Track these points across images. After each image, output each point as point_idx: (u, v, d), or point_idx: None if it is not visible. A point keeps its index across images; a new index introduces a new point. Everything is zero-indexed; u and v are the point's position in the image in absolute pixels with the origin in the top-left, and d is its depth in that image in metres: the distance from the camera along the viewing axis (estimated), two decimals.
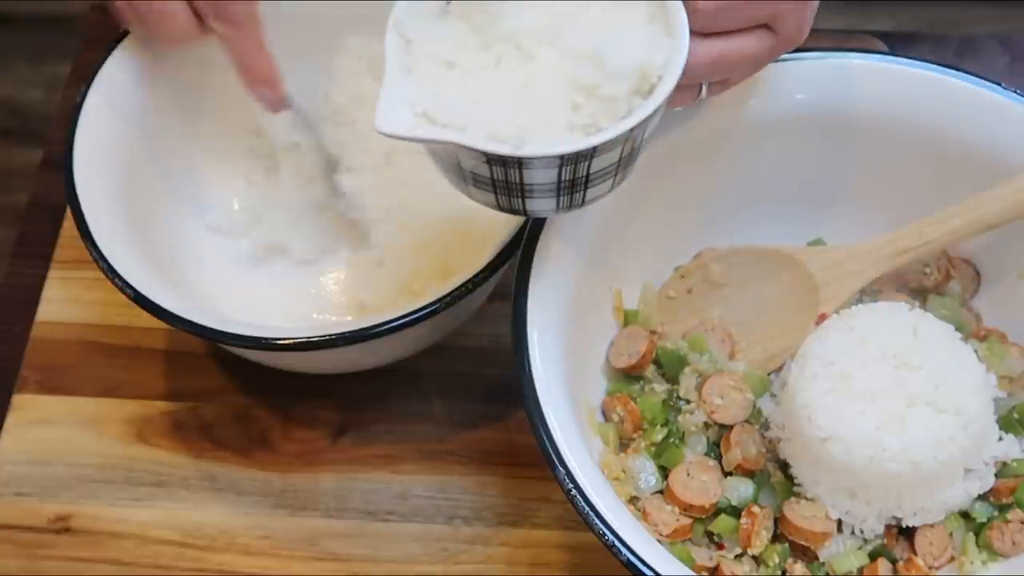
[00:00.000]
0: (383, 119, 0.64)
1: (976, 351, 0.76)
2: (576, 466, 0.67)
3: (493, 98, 0.65)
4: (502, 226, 0.79)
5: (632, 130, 0.64)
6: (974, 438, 0.71)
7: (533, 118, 0.64)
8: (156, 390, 0.90)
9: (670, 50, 0.65)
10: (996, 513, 0.75)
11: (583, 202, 0.69)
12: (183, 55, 0.86)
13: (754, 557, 0.74)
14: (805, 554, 0.74)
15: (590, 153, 0.64)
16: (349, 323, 0.76)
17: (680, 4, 0.66)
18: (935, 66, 0.80)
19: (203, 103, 0.91)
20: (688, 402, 0.79)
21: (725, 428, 0.78)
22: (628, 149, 0.66)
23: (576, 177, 0.66)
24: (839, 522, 0.74)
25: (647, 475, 0.76)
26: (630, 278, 0.84)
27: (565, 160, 0.64)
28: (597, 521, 0.65)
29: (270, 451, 0.87)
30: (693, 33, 0.66)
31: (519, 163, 0.63)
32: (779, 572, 0.74)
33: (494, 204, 0.69)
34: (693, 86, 0.70)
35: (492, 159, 0.64)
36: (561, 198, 0.67)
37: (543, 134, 0.64)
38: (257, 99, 0.84)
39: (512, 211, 0.69)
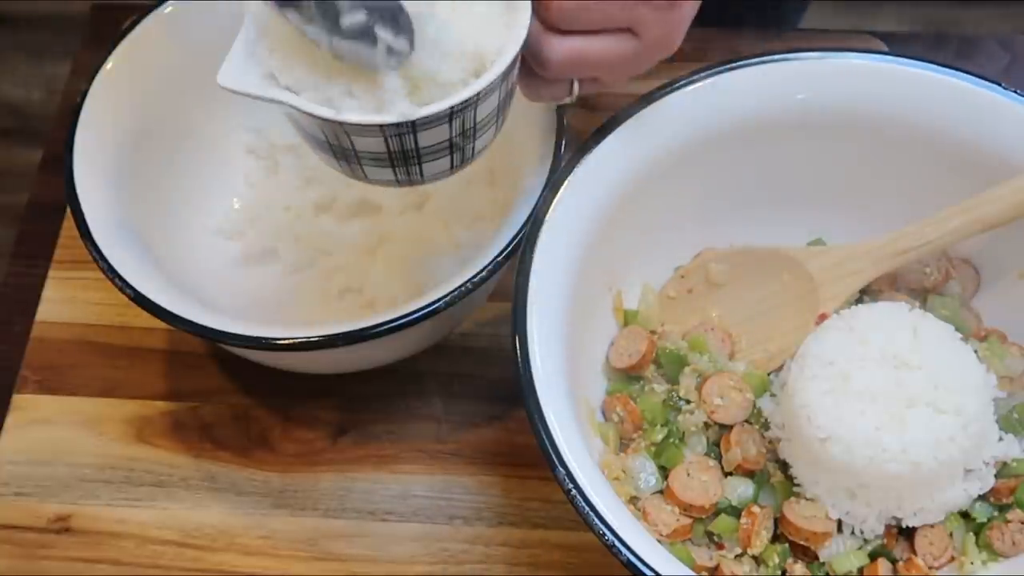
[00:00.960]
0: (227, 74, 0.67)
1: (976, 351, 0.76)
2: (576, 466, 0.67)
3: (338, 73, 0.67)
4: (503, 226, 0.79)
5: (453, 109, 0.66)
6: (974, 438, 0.71)
7: (373, 98, 0.67)
8: (156, 390, 0.90)
9: (505, 36, 0.68)
10: (996, 513, 0.75)
11: (422, 176, 0.71)
12: (183, 55, 0.86)
13: (754, 557, 0.74)
14: (805, 554, 0.74)
15: (410, 127, 0.67)
16: (349, 323, 0.76)
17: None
18: (935, 66, 0.80)
19: (203, 103, 0.91)
20: (688, 402, 0.79)
21: (725, 428, 0.78)
22: (458, 128, 0.69)
23: (405, 149, 0.68)
24: (839, 522, 0.74)
25: (647, 475, 0.77)
26: (630, 278, 0.84)
27: (387, 130, 0.67)
28: (597, 521, 0.65)
29: (270, 451, 0.87)
30: (551, 28, 0.69)
31: (344, 129, 0.67)
32: (779, 572, 0.74)
33: (337, 168, 0.72)
34: (562, 81, 0.72)
35: (323, 124, 0.67)
36: (396, 169, 0.70)
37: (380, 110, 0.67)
38: None
39: (355, 177, 0.72)
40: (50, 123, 1.06)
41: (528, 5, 0.68)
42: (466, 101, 0.67)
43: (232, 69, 0.67)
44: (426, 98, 0.67)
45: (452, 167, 0.72)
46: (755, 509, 0.74)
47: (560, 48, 0.69)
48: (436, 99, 0.67)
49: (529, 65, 0.71)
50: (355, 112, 0.66)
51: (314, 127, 0.69)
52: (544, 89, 0.73)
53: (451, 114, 0.67)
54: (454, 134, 0.69)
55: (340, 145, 0.69)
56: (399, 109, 0.66)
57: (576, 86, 0.73)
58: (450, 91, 0.67)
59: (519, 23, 0.68)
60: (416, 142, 0.68)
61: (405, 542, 0.83)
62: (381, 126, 0.66)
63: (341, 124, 0.67)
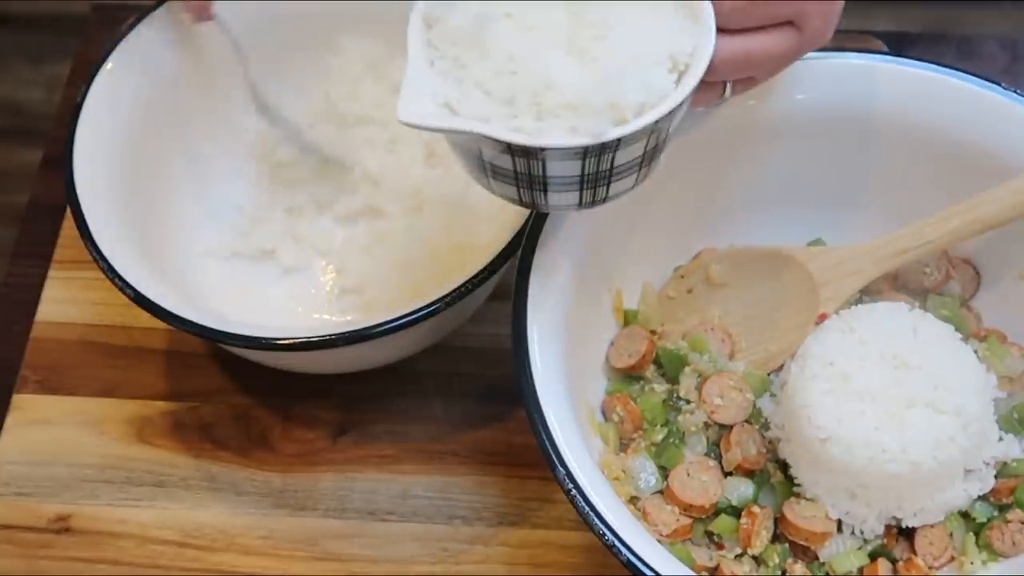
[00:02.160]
0: (405, 109, 0.63)
1: (976, 351, 0.76)
2: (576, 466, 0.67)
3: (524, 91, 0.63)
4: (502, 226, 0.79)
5: (657, 122, 0.63)
6: (974, 438, 0.71)
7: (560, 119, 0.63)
8: (156, 390, 0.90)
9: (697, 37, 0.65)
10: (996, 513, 0.75)
11: (606, 197, 0.68)
12: (183, 55, 0.86)
13: (754, 557, 0.74)
14: (805, 554, 0.74)
15: (614, 145, 0.63)
16: (349, 323, 0.76)
17: None
18: (935, 66, 0.80)
19: (203, 103, 0.91)
20: (688, 402, 0.79)
21: (725, 428, 0.78)
22: (653, 142, 0.65)
23: (600, 170, 0.65)
24: (839, 522, 0.74)
25: (647, 475, 0.76)
26: (630, 278, 0.84)
27: (589, 152, 0.63)
28: (597, 521, 0.65)
29: (270, 451, 0.87)
30: (718, 30, 0.65)
31: (541, 154, 0.63)
32: (779, 572, 0.74)
33: (516, 198, 0.68)
34: (717, 84, 0.70)
35: (514, 150, 0.63)
36: (584, 192, 0.66)
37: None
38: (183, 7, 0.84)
39: (533, 206, 0.68)
40: (50, 123, 1.05)
41: (708, 4, 0.65)
42: (670, 112, 0.63)
43: (409, 104, 0.63)
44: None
45: (636, 182, 0.69)
46: (755, 509, 0.74)
47: (726, 49, 0.66)
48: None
49: None
50: (554, 136, 0.62)
51: (499, 155, 0.64)
52: (705, 92, 0.69)
53: (653, 128, 0.63)
54: (649, 147, 0.66)
55: (528, 173, 0.65)
56: (595, 129, 0.62)
57: (729, 88, 0.72)
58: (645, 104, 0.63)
59: (706, 22, 0.65)
60: (613, 161, 0.64)
61: (405, 542, 0.83)
62: (585, 148, 0.62)
63: (541, 149, 0.62)
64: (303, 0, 0.90)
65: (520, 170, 0.65)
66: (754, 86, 0.73)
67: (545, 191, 0.66)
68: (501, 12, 0.64)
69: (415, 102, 0.63)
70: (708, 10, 0.65)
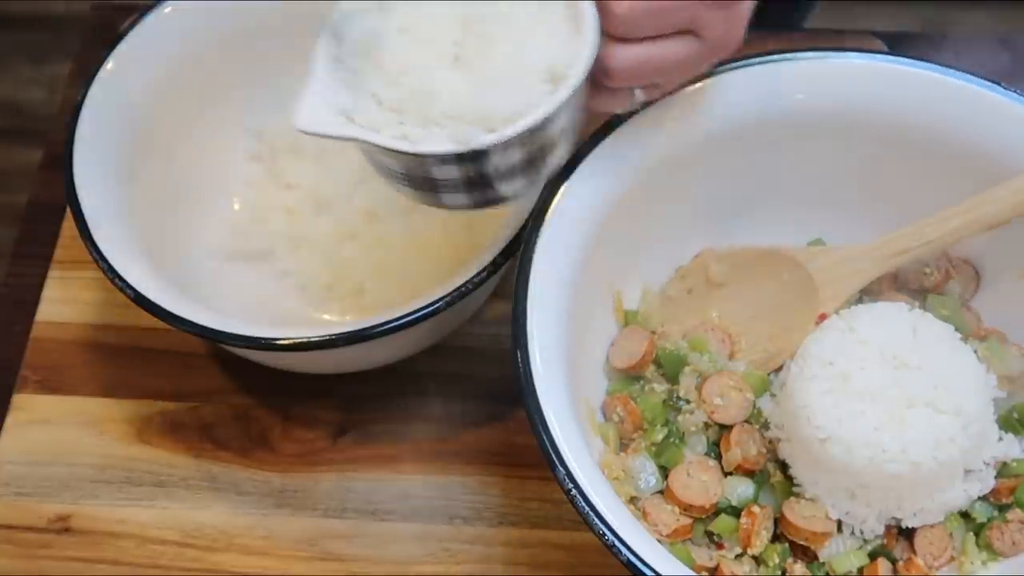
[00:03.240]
0: (301, 116, 0.67)
1: (976, 351, 0.76)
2: (576, 466, 0.67)
3: (411, 101, 0.68)
4: (502, 226, 0.79)
5: (532, 131, 0.66)
6: (974, 438, 0.71)
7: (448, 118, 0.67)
8: (156, 390, 0.90)
9: (577, 48, 0.67)
10: (996, 513, 0.75)
11: (499, 198, 0.71)
12: (183, 55, 0.86)
13: (754, 557, 0.74)
14: (805, 554, 0.74)
15: (485, 153, 0.67)
16: (349, 323, 0.76)
17: (591, 4, 0.67)
18: (935, 66, 0.80)
19: (203, 104, 0.91)
20: (688, 402, 0.79)
21: (725, 428, 0.78)
22: (536, 147, 0.69)
23: (482, 174, 0.69)
24: (839, 522, 0.74)
25: (647, 475, 0.76)
26: (630, 278, 0.84)
27: (463, 159, 0.67)
28: (597, 521, 0.65)
29: (270, 451, 0.87)
30: (613, 38, 0.68)
31: (423, 160, 0.67)
32: (779, 572, 0.74)
33: (418, 198, 0.73)
34: (623, 90, 0.72)
35: (402, 157, 0.68)
36: (473, 193, 0.71)
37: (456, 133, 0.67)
38: None
39: (432, 204, 0.73)
40: (50, 123, 1.05)
41: (594, 14, 0.67)
42: (540, 122, 0.66)
43: (306, 112, 0.67)
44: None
45: (531, 183, 0.72)
46: (755, 509, 0.74)
47: (624, 56, 0.68)
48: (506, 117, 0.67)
49: (593, 76, 0.69)
50: (432, 143, 0.67)
51: (392, 161, 0.70)
52: (608, 99, 0.72)
53: (526, 137, 0.67)
54: (533, 152, 0.69)
55: (420, 176, 0.70)
56: (466, 138, 0.66)
57: (638, 94, 0.73)
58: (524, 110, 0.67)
59: (587, 34, 0.67)
60: (493, 167, 0.68)
61: (405, 542, 0.83)
62: (458, 155, 0.66)
63: (422, 156, 0.67)
64: (304, 0, 0.90)
65: (413, 174, 0.70)
66: (663, 93, 0.75)
67: (437, 192, 0.71)
68: (396, 27, 0.69)
69: (313, 110, 0.67)
70: (591, 21, 0.67)
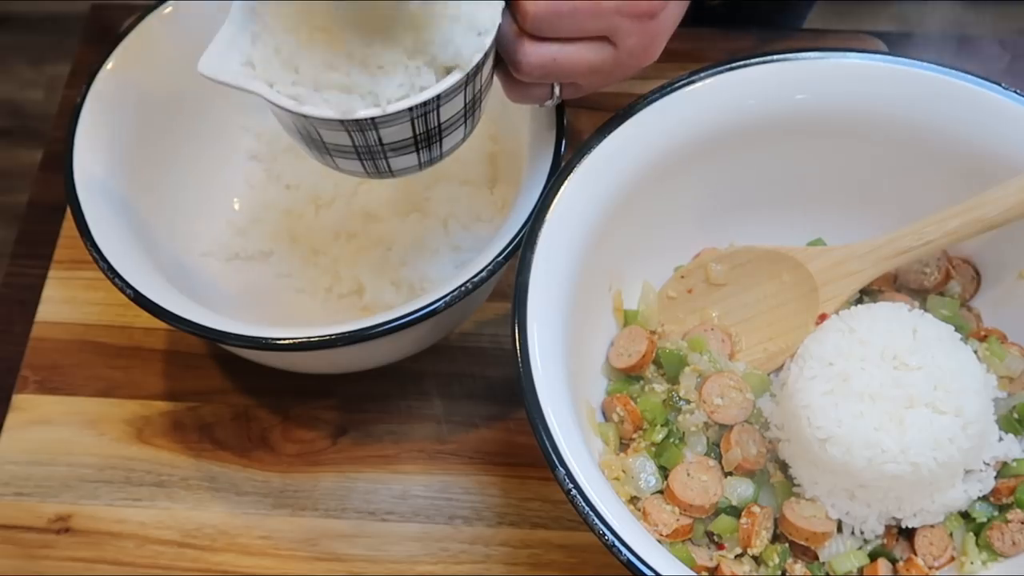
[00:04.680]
0: (207, 61, 0.68)
1: (976, 351, 0.76)
2: (576, 466, 0.67)
3: (315, 66, 0.68)
4: (502, 226, 0.79)
5: (412, 109, 0.68)
6: (973, 439, 0.71)
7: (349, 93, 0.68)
8: (156, 390, 0.90)
9: (481, 39, 0.69)
10: (996, 513, 0.75)
11: (390, 170, 0.73)
12: (183, 55, 0.86)
13: (754, 557, 0.74)
14: (805, 554, 0.74)
15: (370, 124, 0.68)
16: (349, 323, 0.76)
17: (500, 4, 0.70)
18: (935, 66, 0.80)
19: (203, 104, 0.91)
20: (688, 402, 0.79)
21: (725, 428, 0.78)
22: (421, 127, 0.71)
23: (369, 144, 0.70)
24: (839, 522, 0.74)
25: (647, 475, 0.76)
26: (630, 278, 0.84)
27: (347, 126, 0.69)
28: (597, 521, 0.65)
29: (270, 451, 0.87)
30: (526, 34, 0.70)
31: (310, 122, 0.69)
32: (779, 572, 0.74)
33: (314, 157, 0.74)
34: (543, 85, 0.74)
35: (294, 116, 0.69)
36: (364, 161, 0.73)
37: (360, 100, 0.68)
38: None
39: (331, 166, 0.74)
40: (50, 123, 1.05)
41: (500, 10, 0.70)
42: (426, 103, 0.68)
43: (213, 56, 0.69)
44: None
45: (420, 164, 0.74)
46: (755, 509, 0.74)
47: (534, 53, 0.71)
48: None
49: (507, 68, 0.72)
50: (316, 106, 0.68)
51: (287, 118, 0.71)
52: (524, 92, 0.74)
53: (412, 114, 0.69)
54: (418, 132, 0.71)
55: (310, 136, 0.71)
56: (346, 107, 0.68)
57: (558, 90, 0.75)
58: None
59: (489, 30, 0.70)
60: (379, 139, 0.70)
61: (405, 542, 0.83)
62: (342, 121, 0.68)
63: (306, 117, 0.68)
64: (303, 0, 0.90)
65: (306, 134, 0.71)
66: (583, 93, 0.76)
67: (331, 155, 0.73)
68: None
69: (219, 56, 0.69)
70: (494, 18, 0.69)
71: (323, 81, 0.68)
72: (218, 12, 0.86)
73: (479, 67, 0.70)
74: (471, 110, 0.73)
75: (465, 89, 0.70)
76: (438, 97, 0.68)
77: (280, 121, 0.74)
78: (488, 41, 0.69)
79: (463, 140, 0.75)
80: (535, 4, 0.69)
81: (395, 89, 0.68)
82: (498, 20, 0.70)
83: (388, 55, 0.68)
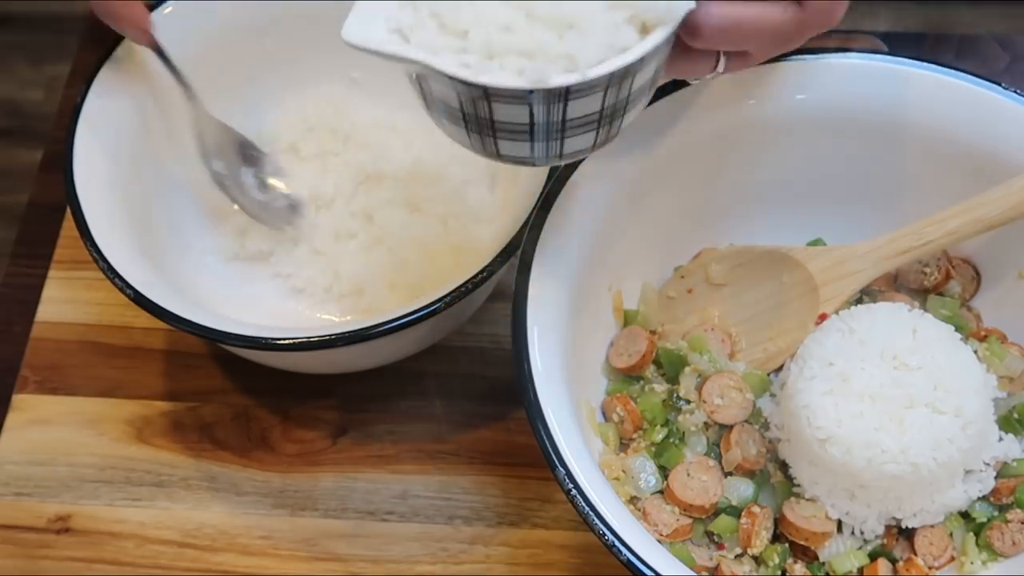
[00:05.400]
0: (352, 29, 0.60)
1: (976, 351, 0.76)
2: (576, 466, 0.67)
3: (479, 27, 0.60)
4: (502, 226, 0.79)
5: (612, 75, 0.59)
6: (973, 439, 0.71)
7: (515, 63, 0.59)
8: (156, 390, 0.90)
9: None
10: (996, 513, 0.75)
11: (560, 154, 0.65)
12: (183, 55, 0.86)
13: (754, 557, 0.74)
14: (805, 554, 0.74)
15: (562, 94, 0.59)
16: (349, 323, 0.76)
17: None
18: (935, 66, 0.80)
19: (203, 103, 0.90)
20: (688, 402, 0.79)
21: (725, 428, 0.78)
22: (612, 100, 0.62)
23: (550, 121, 0.61)
24: (839, 522, 0.74)
25: (647, 475, 0.76)
26: (630, 278, 0.84)
27: (534, 98, 0.59)
28: (597, 521, 0.65)
29: (270, 451, 0.87)
30: None
31: (485, 93, 0.59)
32: (779, 572, 0.74)
33: (467, 142, 0.65)
34: (709, 54, 0.66)
35: (459, 87, 0.60)
36: (536, 144, 0.63)
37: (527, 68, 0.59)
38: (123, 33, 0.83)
39: (486, 153, 0.65)
40: (50, 123, 1.05)
41: None
42: (627, 68, 0.59)
43: (356, 23, 0.60)
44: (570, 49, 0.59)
45: (595, 144, 0.65)
46: (755, 509, 0.74)
47: (716, 14, 0.62)
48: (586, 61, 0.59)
49: (677, 34, 0.62)
50: (498, 75, 0.59)
51: (448, 92, 0.61)
52: (688, 63, 0.65)
53: (609, 81, 0.60)
54: (606, 105, 0.62)
55: (476, 114, 0.62)
56: (541, 74, 0.58)
57: (723, 62, 0.67)
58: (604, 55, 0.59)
59: None
60: (564, 113, 0.61)
61: (405, 542, 0.83)
62: (530, 91, 0.59)
63: (484, 89, 0.59)
64: (303, 0, 0.90)
65: (467, 109, 0.62)
66: (750, 64, 0.69)
67: (494, 137, 0.63)
68: None
69: (366, 23, 0.60)
70: None
71: (499, 45, 0.58)
72: (219, 12, 0.87)
73: (681, 23, 0.60)
74: (654, 81, 0.64)
75: (660, 52, 0.60)
76: (641, 60, 0.59)
77: (427, 98, 0.63)
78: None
79: (636, 117, 0.66)
80: None
81: (593, 50, 0.58)
82: None
83: (582, 8, 0.58)
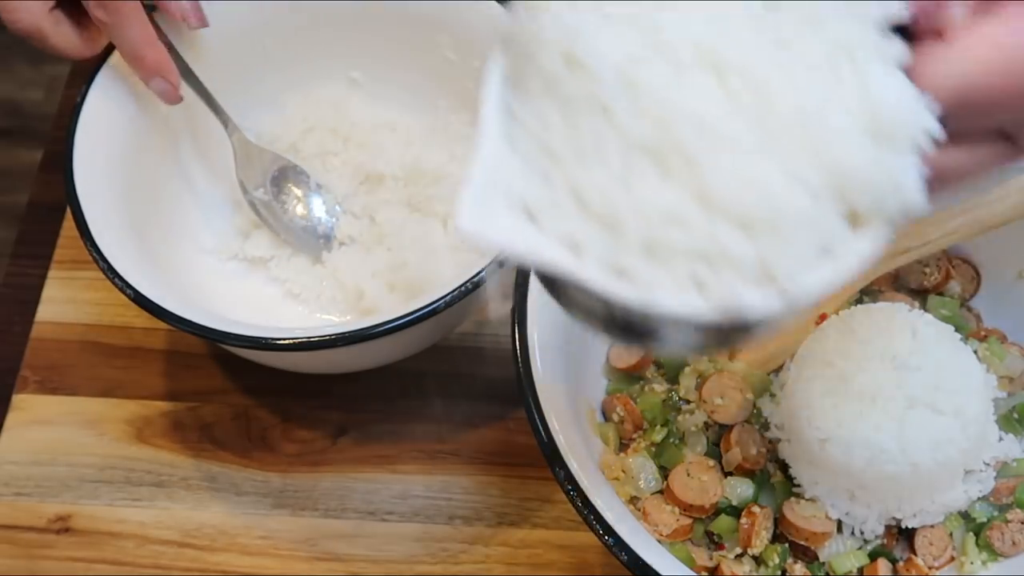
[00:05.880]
0: (471, 215, 0.43)
1: (976, 351, 0.76)
2: (576, 466, 0.67)
3: (636, 209, 0.42)
4: None
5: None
6: (973, 439, 0.71)
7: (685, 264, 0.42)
8: (156, 390, 0.90)
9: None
10: (996, 513, 0.75)
11: (730, 345, 0.52)
12: (184, 54, 0.86)
13: (754, 557, 0.74)
14: (805, 554, 0.74)
15: (742, 326, 0.44)
16: (349, 323, 0.76)
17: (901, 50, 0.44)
18: None
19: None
20: (688, 402, 0.79)
21: (725, 428, 0.78)
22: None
23: (722, 334, 0.46)
24: (839, 522, 0.74)
25: (647, 475, 0.76)
26: None
27: (706, 329, 0.44)
28: (596, 522, 0.65)
29: (270, 451, 0.87)
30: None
31: (645, 311, 0.43)
32: (779, 572, 0.74)
33: (609, 338, 0.52)
34: None
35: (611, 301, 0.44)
36: (702, 348, 0.52)
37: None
38: (152, 89, 0.83)
39: (633, 347, 0.53)
40: (50, 123, 1.05)
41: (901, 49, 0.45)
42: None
43: (475, 207, 0.43)
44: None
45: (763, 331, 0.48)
46: (755, 509, 0.74)
47: (951, 160, 0.49)
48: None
49: None
50: (672, 294, 0.42)
51: (592, 303, 0.46)
52: None
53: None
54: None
55: (621, 321, 0.46)
56: (743, 295, 0.42)
57: None
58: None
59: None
60: (748, 327, 0.45)
61: (405, 542, 0.83)
62: (704, 324, 0.43)
63: (647, 313, 0.43)
64: (303, 1, 0.90)
65: (620, 318, 0.46)
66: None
67: (650, 341, 0.46)
68: (622, 54, 0.41)
69: (484, 204, 0.43)
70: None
71: (660, 243, 0.42)
72: (219, 12, 0.87)
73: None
74: None
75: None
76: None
77: (549, 286, 0.48)
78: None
79: None
80: (943, 84, 0.46)
81: (796, 255, 0.42)
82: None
83: (780, 193, 0.41)
